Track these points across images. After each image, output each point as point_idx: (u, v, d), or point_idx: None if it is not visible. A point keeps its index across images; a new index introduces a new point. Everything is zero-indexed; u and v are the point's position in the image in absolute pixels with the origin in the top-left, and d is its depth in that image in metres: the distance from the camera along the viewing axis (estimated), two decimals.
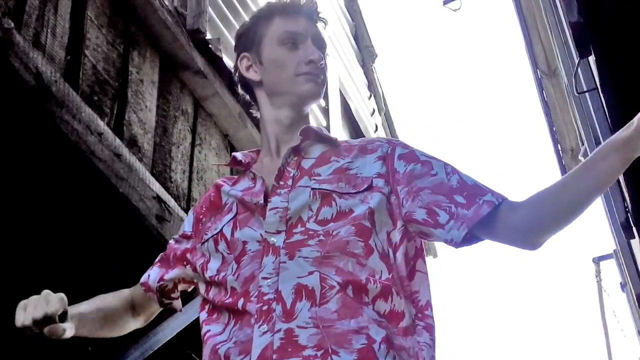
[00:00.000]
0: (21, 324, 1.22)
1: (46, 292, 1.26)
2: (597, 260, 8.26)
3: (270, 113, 1.45)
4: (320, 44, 1.44)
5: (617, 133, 1.17)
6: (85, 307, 1.40)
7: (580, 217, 1.21)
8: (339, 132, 4.78)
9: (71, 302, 1.49)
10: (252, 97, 1.50)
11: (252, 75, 1.47)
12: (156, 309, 1.52)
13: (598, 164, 1.17)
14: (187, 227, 1.48)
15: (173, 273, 1.45)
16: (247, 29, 1.49)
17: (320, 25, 1.47)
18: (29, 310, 1.22)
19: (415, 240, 1.32)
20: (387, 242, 1.26)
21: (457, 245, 1.24)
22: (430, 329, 1.25)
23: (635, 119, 1.13)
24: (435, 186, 1.28)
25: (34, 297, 1.25)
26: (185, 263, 1.43)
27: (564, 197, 1.19)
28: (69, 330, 1.24)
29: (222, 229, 1.33)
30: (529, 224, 1.22)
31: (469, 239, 1.25)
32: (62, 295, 1.26)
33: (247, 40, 1.48)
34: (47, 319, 1.21)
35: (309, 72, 1.40)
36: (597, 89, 2.89)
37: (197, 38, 2.88)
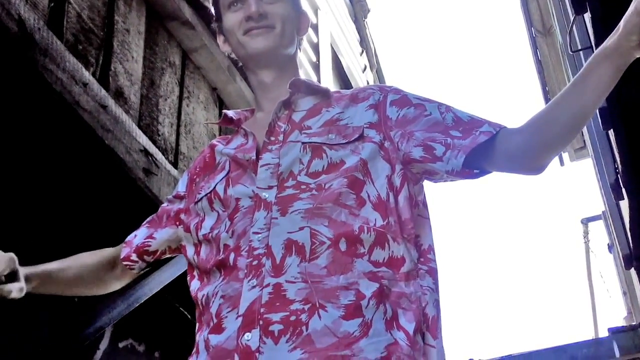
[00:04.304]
0: None
1: None
2: (586, 222, 8.32)
3: (251, 77, 1.43)
4: None
5: (604, 43, 1.13)
6: (54, 265, 1.39)
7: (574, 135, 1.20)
8: (329, 87, 4.74)
9: (54, 254, 1.48)
10: None
11: (226, 48, 1.46)
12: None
13: (590, 77, 1.14)
14: (180, 187, 1.47)
15: (164, 232, 1.43)
16: (212, 4, 1.48)
17: None
18: None
19: (419, 184, 1.31)
20: (388, 185, 1.23)
21: (459, 174, 1.22)
22: (432, 272, 1.24)
23: (620, 23, 1.09)
24: (430, 126, 1.26)
25: None
26: (178, 223, 1.41)
27: (560, 116, 1.17)
28: (16, 291, 1.24)
29: (215, 187, 1.30)
30: (527, 147, 1.20)
31: (471, 170, 1.23)
32: (12, 255, 1.25)
33: (216, 15, 1.48)
34: None
35: (250, 28, 1.37)
36: (592, 47, 2.86)
37: None
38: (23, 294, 1.27)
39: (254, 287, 1.14)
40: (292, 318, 1.10)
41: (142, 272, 1.50)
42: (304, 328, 1.09)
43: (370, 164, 1.24)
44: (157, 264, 1.53)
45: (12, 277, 1.24)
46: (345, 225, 1.18)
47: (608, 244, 6.58)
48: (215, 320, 1.18)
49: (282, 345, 1.08)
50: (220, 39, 1.47)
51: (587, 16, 2.71)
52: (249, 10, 1.36)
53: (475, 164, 1.23)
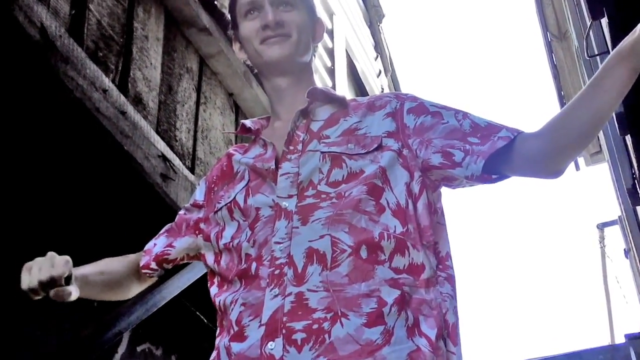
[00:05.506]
0: (27, 287, 1.21)
1: (51, 254, 1.24)
2: (602, 226, 8.26)
3: (266, 84, 1.44)
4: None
5: (619, 45, 1.13)
6: (89, 269, 1.39)
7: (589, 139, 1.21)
8: (344, 93, 4.75)
9: (76, 260, 1.50)
10: None
11: (242, 55, 1.47)
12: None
13: (606, 79, 1.14)
14: (198, 196, 1.47)
15: (184, 241, 1.44)
16: (229, 11, 1.49)
17: None
18: (34, 273, 1.20)
19: (437, 191, 1.32)
20: (407, 192, 1.24)
21: (479, 179, 1.23)
22: (451, 279, 1.25)
23: (638, 27, 1.10)
24: (448, 133, 1.27)
25: (39, 259, 1.23)
26: (197, 232, 1.42)
27: (576, 118, 1.18)
28: (74, 292, 1.24)
29: (235, 197, 1.31)
30: (545, 152, 1.21)
31: (491, 175, 1.24)
32: (68, 257, 1.24)
33: (232, 23, 1.49)
34: (53, 282, 1.20)
35: (266, 37, 1.37)
36: (609, 52, 2.85)
37: None
38: (78, 294, 1.27)
39: (276, 296, 1.15)
40: (315, 326, 1.10)
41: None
42: (326, 336, 1.10)
43: (389, 171, 1.25)
44: (174, 268, 1.54)
45: (69, 279, 1.23)
46: (365, 231, 1.19)
47: (624, 249, 6.53)
48: (236, 328, 1.18)
49: (305, 353, 1.09)
50: (236, 46, 1.48)
51: (604, 21, 2.70)
52: (266, 19, 1.37)
53: (494, 169, 1.24)
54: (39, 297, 1.22)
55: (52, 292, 1.21)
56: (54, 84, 1.94)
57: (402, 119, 1.31)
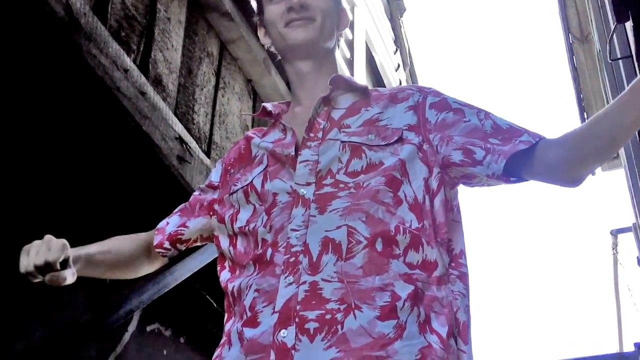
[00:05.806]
0: (24, 270, 1.22)
1: (48, 237, 1.26)
2: (615, 233, 8.20)
3: (289, 68, 1.44)
4: None
5: None
6: (95, 248, 1.40)
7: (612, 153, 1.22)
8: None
9: (90, 238, 1.51)
10: None
11: (266, 41, 1.47)
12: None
13: (634, 97, 1.14)
14: (214, 177, 1.47)
15: (197, 222, 1.44)
16: None
17: None
18: (31, 256, 1.22)
19: (455, 188, 1.31)
20: (424, 188, 1.24)
21: (500, 178, 1.23)
22: (464, 277, 1.24)
23: None
24: (469, 132, 1.27)
25: (36, 242, 1.24)
26: (211, 213, 1.42)
27: (600, 132, 1.18)
28: (69, 277, 1.25)
29: (252, 180, 1.31)
30: (566, 160, 1.21)
31: (509, 177, 1.24)
32: (64, 241, 1.25)
33: (257, 8, 1.49)
34: (49, 266, 1.21)
35: (290, 20, 1.37)
36: (632, 56, 2.83)
37: None
38: (75, 278, 1.28)
39: (290, 284, 1.15)
40: (328, 317, 1.11)
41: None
42: (339, 327, 1.10)
43: (408, 164, 1.25)
44: (186, 250, 1.55)
45: (65, 263, 1.25)
46: (382, 223, 1.18)
47: (637, 257, 6.48)
48: (249, 314, 1.18)
49: (317, 343, 1.09)
50: (261, 32, 1.48)
51: (629, 25, 2.68)
52: (291, 2, 1.37)
53: (513, 172, 1.24)
54: (38, 280, 1.23)
55: (47, 278, 1.22)
56: (77, 61, 1.95)
57: (424, 113, 1.31)
